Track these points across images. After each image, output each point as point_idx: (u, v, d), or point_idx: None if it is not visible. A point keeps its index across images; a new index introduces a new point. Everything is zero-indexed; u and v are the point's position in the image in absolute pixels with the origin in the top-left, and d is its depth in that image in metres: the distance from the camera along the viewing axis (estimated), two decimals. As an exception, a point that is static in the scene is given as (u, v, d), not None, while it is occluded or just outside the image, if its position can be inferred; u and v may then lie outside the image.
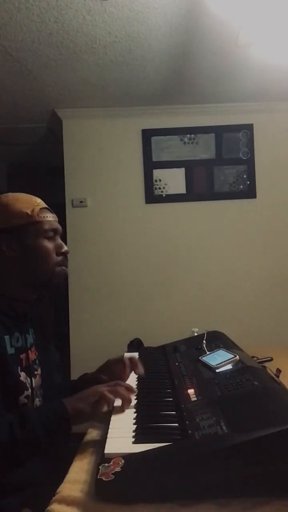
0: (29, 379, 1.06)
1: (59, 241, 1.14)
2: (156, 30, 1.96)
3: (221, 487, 0.73)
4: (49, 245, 1.10)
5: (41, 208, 1.10)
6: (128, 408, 1.01)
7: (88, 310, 2.88)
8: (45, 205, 1.14)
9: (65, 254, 1.13)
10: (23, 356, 1.07)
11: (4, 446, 0.84)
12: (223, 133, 2.91)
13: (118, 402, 1.01)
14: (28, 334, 1.13)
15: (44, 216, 1.10)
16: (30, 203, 1.10)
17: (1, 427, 0.86)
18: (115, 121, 2.92)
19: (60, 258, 1.12)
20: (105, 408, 0.98)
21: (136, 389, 1.09)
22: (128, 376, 1.20)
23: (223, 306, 2.86)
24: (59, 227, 1.15)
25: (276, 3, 1.71)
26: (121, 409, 1.01)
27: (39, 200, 1.13)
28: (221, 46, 2.11)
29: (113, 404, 0.99)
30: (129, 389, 1.05)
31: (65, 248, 1.13)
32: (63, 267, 1.13)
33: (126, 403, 1.01)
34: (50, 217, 1.12)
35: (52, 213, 1.15)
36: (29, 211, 1.07)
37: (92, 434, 1.01)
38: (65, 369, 2.74)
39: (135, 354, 1.53)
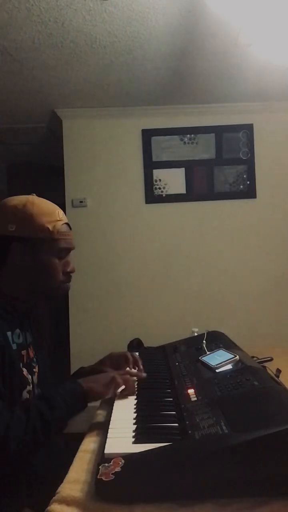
0: (30, 376, 1.09)
1: (68, 259, 1.15)
2: (156, 30, 1.96)
3: (221, 487, 0.73)
4: (58, 263, 1.11)
5: (62, 225, 1.11)
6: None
7: (88, 310, 2.88)
8: (66, 220, 1.14)
9: (70, 273, 1.15)
10: (24, 352, 1.09)
11: (38, 430, 0.89)
12: (223, 133, 2.91)
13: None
14: (28, 332, 1.16)
15: (62, 234, 1.10)
16: (53, 217, 1.09)
17: (32, 413, 0.90)
18: (115, 121, 2.92)
19: (65, 276, 1.14)
20: (111, 393, 1.07)
21: (144, 375, 1.20)
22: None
23: (223, 306, 2.86)
24: (72, 245, 1.15)
25: (276, 3, 1.71)
26: (124, 396, 1.10)
27: (61, 215, 1.13)
28: (221, 46, 2.11)
29: (119, 390, 1.08)
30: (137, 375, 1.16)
31: (72, 267, 1.14)
32: (66, 284, 1.15)
33: (130, 393, 1.11)
34: (67, 235, 1.12)
35: (69, 229, 1.15)
36: (50, 227, 1.07)
37: (92, 433, 1.01)
38: (65, 370, 2.74)
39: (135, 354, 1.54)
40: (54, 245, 1.09)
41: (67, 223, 1.14)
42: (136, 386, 1.15)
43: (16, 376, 1.02)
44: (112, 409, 1.04)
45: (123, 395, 1.10)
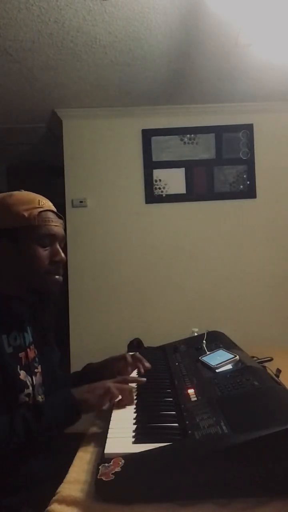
0: (29, 378, 1.07)
1: (56, 248, 1.08)
2: (156, 30, 1.96)
3: (221, 487, 0.73)
4: (42, 252, 1.05)
5: (41, 212, 1.04)
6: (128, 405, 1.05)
7: (88, 310, 2.88)
8: (50, 208, 1.08)
9: (59, 263, 1.08)
10: (22, 354, 1.07)
11: (21, 440, 0.87)
12: (223, 133, 2.91)
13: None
14: (27, 332, 1.13)
15: (42, 220, 1.04)
16: (31, 205, 1.04)
17: (17, 422, 0.88)
18: (115, 121, 2.92)
19: (52, 266, 1.07)
20: (107, 405, 1.00)
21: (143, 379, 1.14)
22: (130, 374, 1.21)
23: (223, 306, 2.85)
24: (59, 232, 1.09)
25: (276, 3, 1.72)
26: (121, 406, 1.04)
27: (43, 202, 1.07)
28: (221, 46, 2.11)
29: (115, 400, 1.02)
30: (131, 391, 1.08)
31: (60, 256, 1.07)
32: (56, 276, 1.08)
33: (127, 402, 1.05)
34: (51, 222, 1.06)
35: (56, 217, 1.09)
36: (26, 214, 1.02)
37: (92, 434, 1.01)
38: (65, 370, 2.74)
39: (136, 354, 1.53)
40: (34, 232, 1.03)
41: (51, 211, 1.08)
42: (135, 392, 1.11)
43: (11, 380, 0.99)
44: (112, 409, 1.04)
45: (121, 405, 1.04)
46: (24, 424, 0.88)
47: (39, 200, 1.07)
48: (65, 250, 1.13)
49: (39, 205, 1.06)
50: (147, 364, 1.21)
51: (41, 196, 1.10)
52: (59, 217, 1.11)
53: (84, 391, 1.00)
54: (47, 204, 1.09)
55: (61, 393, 1.01)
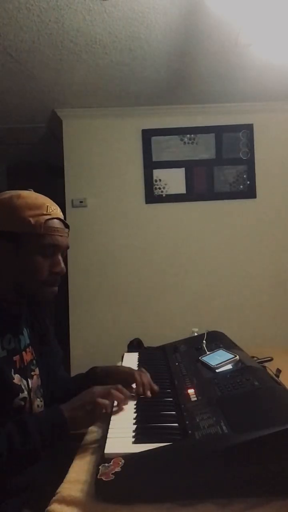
0: (24, 381, 1.04)
1: (58, 258, 1.04)
2: (156, 30, 1.96)
3: (221, 487, 0.73)
4: (43, 261, 1.02)
5: (48, 220, 1.01)
6: (125, 405, 1.02)
7: (88, 310, 2.88)
8: (58, 215, 1.05)
9: (58, 274, 1.05)
10: (16, 358, 1.04)
11: (3, 457, 0.84)
12: (223, 133, 2.91)
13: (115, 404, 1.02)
14: (22, 335, 1.10)
15: (49, 229, 1.01)
16: (38, 211, 1.00)
17: (1, 438, 0.85)
18: (115, 121, 2.92)
19: (51, 277, 1.04)
20: (103, 411, 0.97)
21: (129, 394, 1.07)
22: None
23: (223, 306, 2.85)
24: (63, 243, 1.05)
25: (276, 3, 1.72)
26: (118, 409, 1.01)
27: (52, 209, 1.03)
28: (221, 46, 2.11)
29: (111, 407, 0.99)
30: (123, 391, 1.03)
31: (60, 268, 1.04)
32: (52, 288, 1.06)
33: (121, 403, 1.01)
34: (56, 232, 1.02)
35: (63, 225, 1.06)
36: (33, 221, 0.99)
37: (92, 434, 1.01)
38: (64, 370, 2.73)
39: (135, 354, 1.54)
40: (38, 241, 1.00)
41: (59, 219, 1.05)
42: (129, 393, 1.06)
43: (4, 384, 0.96)
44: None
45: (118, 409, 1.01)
46: (8, 441, 0.85)
47: (47, 206, 1.03)
48: (65, 259, 1.11)
49: (47, 212, 1.02)
50: (155, 388, 1.12)
51: (51, 201, 1.06)
52: (66, 226, 1.08)
53: (74, 409, 0.94)
54: (56, 211, 1.05)
55: (49, 411, 0.97)
